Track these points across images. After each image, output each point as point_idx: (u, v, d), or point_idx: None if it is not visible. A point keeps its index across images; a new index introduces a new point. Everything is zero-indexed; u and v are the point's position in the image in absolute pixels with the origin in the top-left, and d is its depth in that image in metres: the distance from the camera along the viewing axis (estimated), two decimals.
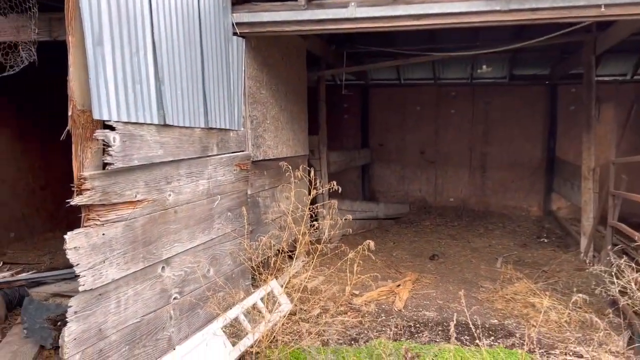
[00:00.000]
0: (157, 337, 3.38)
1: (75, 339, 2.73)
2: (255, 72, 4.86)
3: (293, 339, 4.37)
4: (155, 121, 3.20)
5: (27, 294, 4.95)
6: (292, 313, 4.82)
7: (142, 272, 3.23)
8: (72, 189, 2.75)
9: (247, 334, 4.07)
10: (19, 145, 6.47)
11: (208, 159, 3.94)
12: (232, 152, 4.35)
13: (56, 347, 4.07)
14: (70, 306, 2.72)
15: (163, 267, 3.43)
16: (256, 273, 4.51)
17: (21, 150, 6.50)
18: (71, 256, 2.70)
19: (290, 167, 4.61)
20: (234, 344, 3.94)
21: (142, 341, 3.24)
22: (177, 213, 3.56)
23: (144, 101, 3.09)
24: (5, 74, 3.85)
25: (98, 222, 2.86)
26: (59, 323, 4.42)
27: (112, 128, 2.85)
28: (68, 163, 7.01)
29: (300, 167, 6.28)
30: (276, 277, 4.96)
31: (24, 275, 5.41)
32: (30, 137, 6.57)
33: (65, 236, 2.68)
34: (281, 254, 4.57)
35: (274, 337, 4.18)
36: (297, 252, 4.54)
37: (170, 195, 3.48)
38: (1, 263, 5.78)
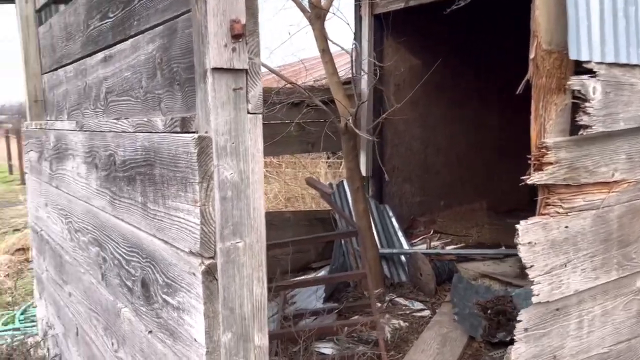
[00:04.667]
0: None
1: None
2: None
3: None
4: None
5: (456, 269, 4.66)
6: None
7: (614, 285, 2.24)
8: (529, 161, 1.99)
9: None
10: (455, 112, 6.31)
11: None
12: None
13: (486, 341, 3.55)
14: (520, 321, 2.00)
15: None
16: None
17: (455, 116, 6.34)
18: (523, 253, 1.97)
19: None
20: None
21: None
22: None
23: (638, 33, 2.03)
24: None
25: (560, 210, 2.03)
26: (489, 311, 3.90)
27: (589, 73, 1.93)
28: (498, 127, 6.45)
29: None
30: None
31: (452, 249, 5.20)
32: (465, 100, 6.31)
33: (517, 226, 1.97)
34: None
35: None
36: None
37: None
38: (432, 231, 5.76)
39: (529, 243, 1.96)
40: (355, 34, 5.19)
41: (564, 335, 2.12)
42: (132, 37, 1.98)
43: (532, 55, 1.95)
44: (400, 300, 4.37)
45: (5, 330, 4.18)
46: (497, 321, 3.74)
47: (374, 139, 4.12)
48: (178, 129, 1.40)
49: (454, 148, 6.40)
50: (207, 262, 1.33)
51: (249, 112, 1.37)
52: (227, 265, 1.36)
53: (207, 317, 1.34)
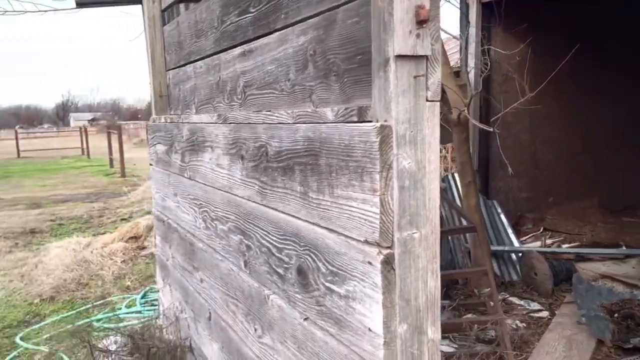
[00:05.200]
0: None
1: None
2: None
3: None
4: None
5: (574, 269, 4.40)
6: None
7: None
8: None
9: None
10: (567, 104, 5.95)
11: None
12: None
13: (617, 346, 3.32)
14: None
15: None
16: None
17: (567, 108, 5.98)
18: None
19: None
20: None
21: None
22: None
23: None
24: None
25: None
26: (615, 315, 3.65)
27: None
28: (612, 121, 6.02)
29: None
30: None
31: (570, 248, 4.92)
32: (579, 92, 5.94)
33: None
34: None
35: None
36: None
37: None
38: (542, 229, 5.49)
39: None
40: (462, 22, 5.03)
41: None
42: (277, 30, 2.01)
43: None
44: (514, 299, 4.19)
45: (129, 313, 4.47)
46: (626, 325, 3.49)
47: (495, 130, 3.96)
48: (354, 119, 1.40)
49: (565, 142, 6.05)
50: (385, 251, 1.32)
51: (427, 100, 1.34)
52: (403, 255, 1.34)
53: (385, 307, 1.33)
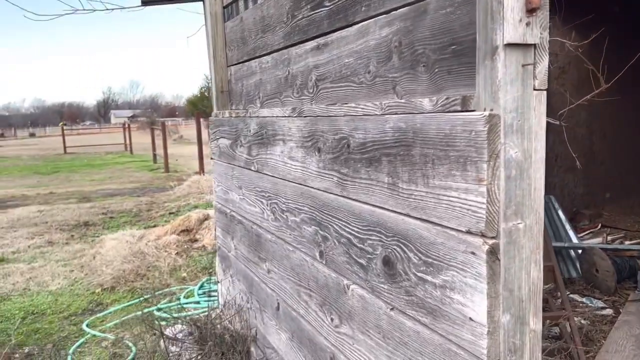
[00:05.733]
0: None
1: None
2: None
3: None
4: None
5: (638, 266, 4.27)
6: None
7: None
8: None
9: None
10: (625, 97, 5.75)
11: None
12: None
13: None
14: None
15: None
16: None
17: (625, 101, 5.78)
18: None
19: None
20: None
21: None
22: None
23: None
24: None
25: None
26: None
27: None
28: None
29: None
30: None
31: (633, 244, 4.77)
32: (637, 84, 5.74)
33: None
34: None
35: None
36: None
37: None
38: (599, 225, 5.34)
39: None
40: None
41: None
42: (356, 23, 2.03)
43: None
44: (576, 297, 4.10)
45: (188, 303, 4.59)
46: None
47: (562, 123, 3.86)
48: (458, 108, 1.40)
49: (622, 135, 5.87)
50: (490, 242, 1.32)
51: (534, 89, 1.33)
52: (508, 246, 1.34)
53: (490, 297, 1.33)
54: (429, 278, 1.55)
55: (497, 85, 1.29)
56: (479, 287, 1.35)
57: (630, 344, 3.27)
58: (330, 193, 2.14)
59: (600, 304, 3.96)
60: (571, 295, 4.13)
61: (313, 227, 2.32)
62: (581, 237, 5.11)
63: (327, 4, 2.24)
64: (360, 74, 2.02)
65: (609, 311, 3.84)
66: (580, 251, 4.48)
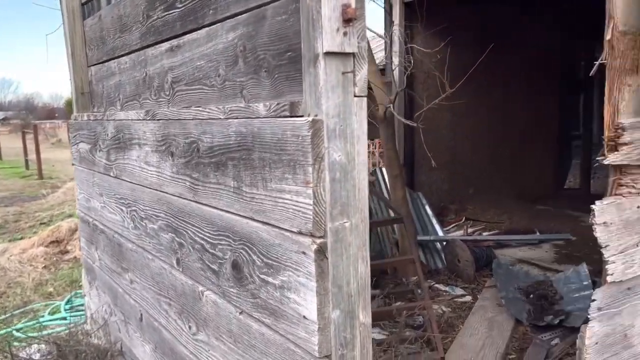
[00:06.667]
0: None
1: (597, 344, 2.05)
2: None
3: None
4: None
5: (494, 255, 4.69)
6: None
7: None
8: (603, 142, 2.02)
9: None
10: (483, 99, 6.31)
11: None
12: None
13: (534, 325, 3.58)
14: (594, 300, 2.03)
15: None
16: None
17: (484, 104, 6.34)
18: (599, 233, 2.00)
19: None
20: None
21: None
22: None
23: None
24: None
25: (633, 191, 2.06)
26: (531, 296, 3.94)
27: None
28: (525, 115, 6.42)
29: None
30: None
31: (489, 235, 5.23)
32: (494, 88, 6.31)
33: (593, 206, 2.00)
34: None
35: None
36: None
37: None
38: (463, 219, 5.79)
39: (604, 223, 1.99)
40: (386, 20, 5.20)
41: (634, 315, 2.15)
42: (206, 26, 2.01)
43: (607, 37, 1.96)
44: (440, 286, 4.41)
45: (53, 320, 4.26)
46: (540, 305, 3.77)
47: (419, 125, 4.13)
48: (287, 113, 1.44)
49: (482, 135, 6.42)
50: (318, 241, 1.37)
51: (355, 95, 1.40)
52: (336, 244, 1.40)
53: (319, 295, 1.38)
54: (270, 279, 1.58)
55: (319, 92, 1.35)
56: (310, 286, 1.40)
57: (484, 327, 3.58)
58: (184, 198, 2.10)
59: (460, 291, 4.29)
60: (436, 285, 4.44)
61: (170, 234, 2.27)
62: (447, 230, 5.51)
63: (179, 5, 2.20)
64: (211, 77, 2.01)
65: (468, 298, 4.18)
66: (444, 243, 4.82)
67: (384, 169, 4.89)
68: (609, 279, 2.04)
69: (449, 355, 3.23)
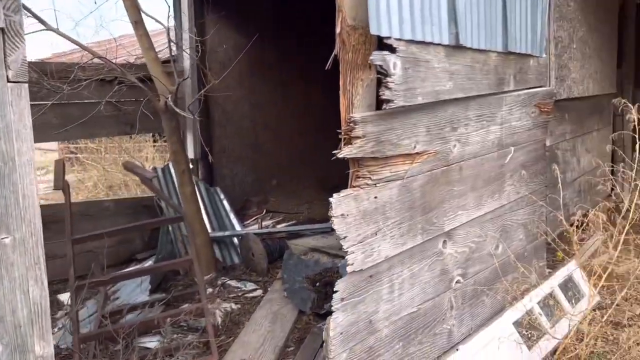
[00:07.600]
0: (435, 332, 2.60)
1: (341, 334, 2.08)
2: None
3: (610, 349, 3.17)
4: (445, 41, 2.28)
5: (287, 246, 4.73)
6: (599, 307, 3.57)
7: (419, 248, 2.44)
8: (339, 135, 2.04)
9: (544, 333, 3.04)
10: (282, 90, 6.35)
11: (503, 97, 2.90)
12: (531, 88, 3.20)
13: (316, 314, 3.66)
14: (336, 291, 2.06)
15: (444, 242, 2.59)
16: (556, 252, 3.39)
17: (283, 94, 6.39)
18: (338, 226, 2.02)
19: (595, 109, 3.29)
20: (529, 348, 2.96)
21: (418, 336, 2.49)
22: (462, 170, 2.65)
23: (432, 11, 2.18)
24: None
25: (369, 182, 2.12)
26: (317, 284, 4.04)
27: (390, 49, 2.02)
28: (322, 105, 6.64)
29: (606, 110, 4.74)
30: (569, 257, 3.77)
31: (283, 227, 5.28)
32: (292, 78, 6.38)
33: (330, 199, 2.01)
34: (579, 226, 3.35)
35: (582, 341, 3.06)
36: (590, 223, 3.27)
37: (455, 146, 2.57)
38: (264, 211, 5.79)
39: (342, 215, 2.02)
40: (174, 7, 4.91)
41: (378, 300, 2.24)
42: None
43: (338, 30, 1.98)
44: (233, 282, 4.30)
45: None
46: (324, 293, 3.87)
47: (196, 118, 3.93)
48: None
49: (283, 126, 6.47)
50: None
51: (9, 81, 1.14)
52: None
53: None
54: None
55: None
56: None
57: (268, 321, 3.55)
58: None
59: (252, 286, 4.24)
60: (229, 282, 4.32)
61: None
62: (248, 224, 5.44)
63: None
64: None
65: (259, 292, 4.14)
66: (240, 238, 4.73)
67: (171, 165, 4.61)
68: (349, 269, 2.08)
69: (229, 355, 3.13)
